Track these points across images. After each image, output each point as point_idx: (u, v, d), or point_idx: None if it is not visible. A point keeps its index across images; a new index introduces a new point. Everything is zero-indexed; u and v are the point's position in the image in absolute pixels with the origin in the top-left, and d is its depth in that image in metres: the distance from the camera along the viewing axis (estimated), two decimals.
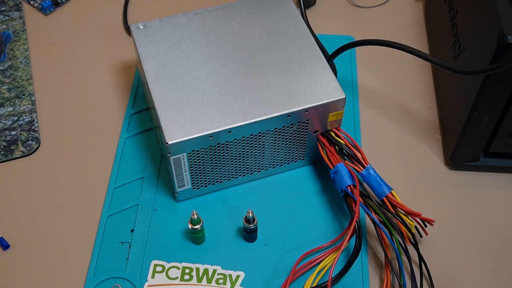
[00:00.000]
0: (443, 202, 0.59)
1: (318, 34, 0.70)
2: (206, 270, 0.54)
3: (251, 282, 0.53)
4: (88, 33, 0.74)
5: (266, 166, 0.59)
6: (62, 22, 0.76)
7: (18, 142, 0.64)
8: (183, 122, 0.53)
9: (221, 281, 0.53)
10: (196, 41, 0.59)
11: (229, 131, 0.53)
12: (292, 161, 0.60)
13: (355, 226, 0.52)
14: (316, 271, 0.52)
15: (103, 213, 0.58)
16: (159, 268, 0.54)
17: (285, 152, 0.58)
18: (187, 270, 0.54)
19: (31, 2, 0.77)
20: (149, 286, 0.53)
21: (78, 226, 0.58)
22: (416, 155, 0.63)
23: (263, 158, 0.58)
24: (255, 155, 0.57)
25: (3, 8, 0.76)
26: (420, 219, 0.54)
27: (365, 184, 0.55)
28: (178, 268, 0.54)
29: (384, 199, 0.54)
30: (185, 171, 0.55)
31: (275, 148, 0.57)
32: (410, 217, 0.53)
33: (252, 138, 0.55)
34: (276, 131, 0.55)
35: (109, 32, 0.74)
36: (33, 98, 0.67)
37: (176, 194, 0.58)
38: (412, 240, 0.53)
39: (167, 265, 0.54)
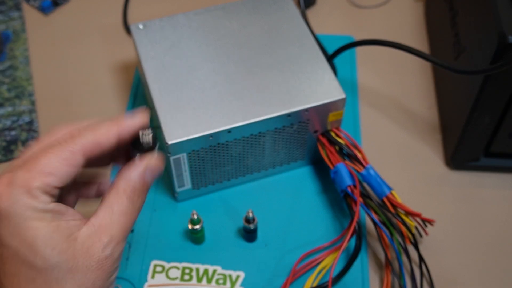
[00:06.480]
0: (443, 202, 0.59)
1: (318, 34, 0.70)
2: (206, 270, 0.54)
3: (251, 282, 0.53)
4: (88, 33, 0.74)
5: (266, 166, 0.59)
6: (62, 22, 0.76)
7: (18, 142, 0.63)
8: (183, 122, 0.53)
9: (221, 281, 0.53)
10: (196, 41, 0.59)
11: (229, 131, 0.53)
12: (292, 161, 0.60)
13: (355, 226, 0.52)
14: (316, 271, 0.52)
15: None
16: (159, 268, 0.54)
17: (285, 152, 0.58)
18: (187, 270, 0.54)
19: (31, 2, 0.77)
20: (149, 286, 0.53)
21: None
22: (416, 155, 0.63)
23: (263, 158, 0.58)
24: (255, 155, 0.57)
25: (3, 8, 0.76)
26: (420, 219, 0.54)
27: (365, 184, 0.55)
28: (178, 268, 0.54)
29: (384, 199, 0.54)
30: (185, 171, 0.55)
31: (275, 148, 0.57)
32: (410, 217, 0.53)
33: (252, 138, 0.55)
34: (276, 131, 0.55)
35: (109, 32, 0.74)
36: (33, 98, 0.67)
37: (176, 194, 0.58)
38: (412, 240, 0.53)
39: (167, 265, 0.54)
